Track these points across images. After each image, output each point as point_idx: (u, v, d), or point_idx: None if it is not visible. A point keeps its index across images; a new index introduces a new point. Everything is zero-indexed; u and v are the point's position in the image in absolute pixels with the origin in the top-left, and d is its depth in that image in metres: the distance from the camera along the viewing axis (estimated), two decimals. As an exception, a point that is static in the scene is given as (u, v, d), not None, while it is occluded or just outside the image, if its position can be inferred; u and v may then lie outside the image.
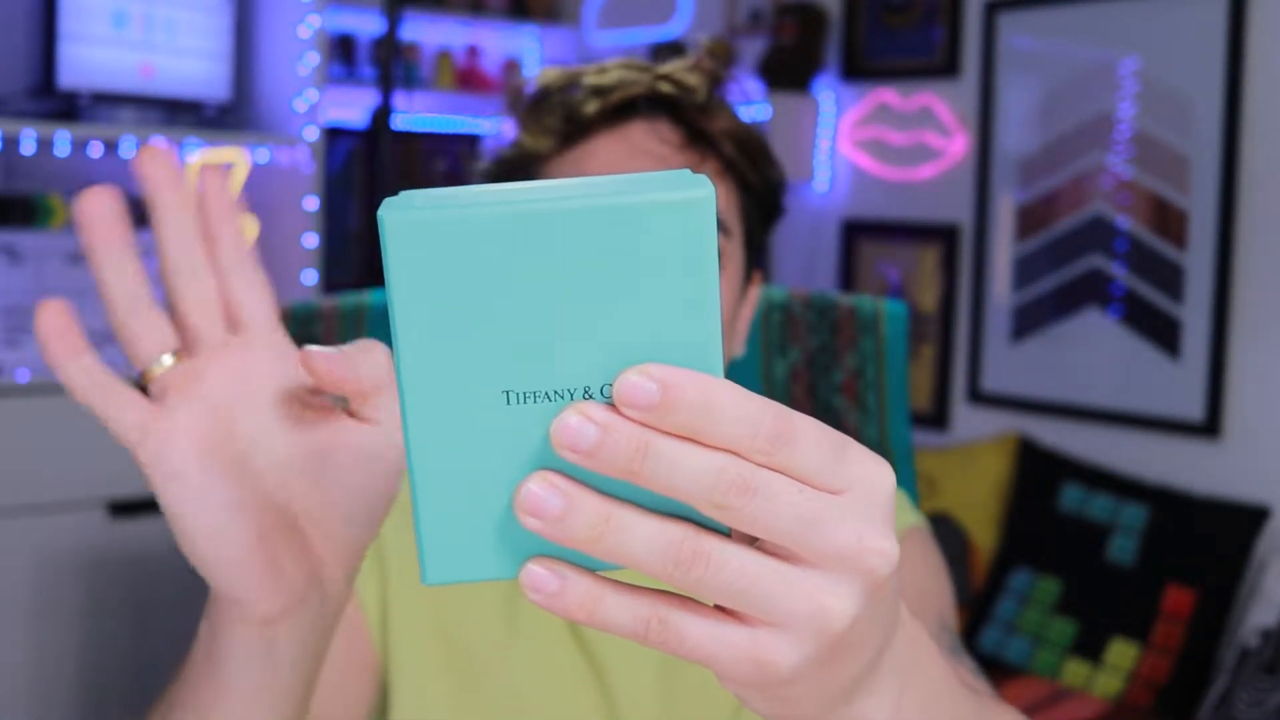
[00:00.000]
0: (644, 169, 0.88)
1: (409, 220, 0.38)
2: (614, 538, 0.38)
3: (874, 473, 0.39)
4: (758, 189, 0.95)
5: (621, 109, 0.91)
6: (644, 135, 0.90)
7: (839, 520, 0.38)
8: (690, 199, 0.38)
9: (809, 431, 0.38)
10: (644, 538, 0.38)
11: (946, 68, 3.09)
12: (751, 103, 0.99)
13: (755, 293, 1.00)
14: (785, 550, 0.39)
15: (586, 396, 0.39)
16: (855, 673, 0.42)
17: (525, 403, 0.39)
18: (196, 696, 0.54)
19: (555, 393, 0.39)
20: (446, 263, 0.38)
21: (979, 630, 2.72)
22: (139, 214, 2.76)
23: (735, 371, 1.24)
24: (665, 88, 0.91)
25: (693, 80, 0.91)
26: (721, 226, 0.90)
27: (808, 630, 0.39)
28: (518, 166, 0.94)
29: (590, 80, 0.91)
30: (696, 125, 0.91)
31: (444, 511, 0.40)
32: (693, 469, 0.37)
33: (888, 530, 0.39)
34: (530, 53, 3.98)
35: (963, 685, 0.54)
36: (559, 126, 0.91)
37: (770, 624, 0.39)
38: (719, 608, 0.39)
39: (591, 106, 0.90)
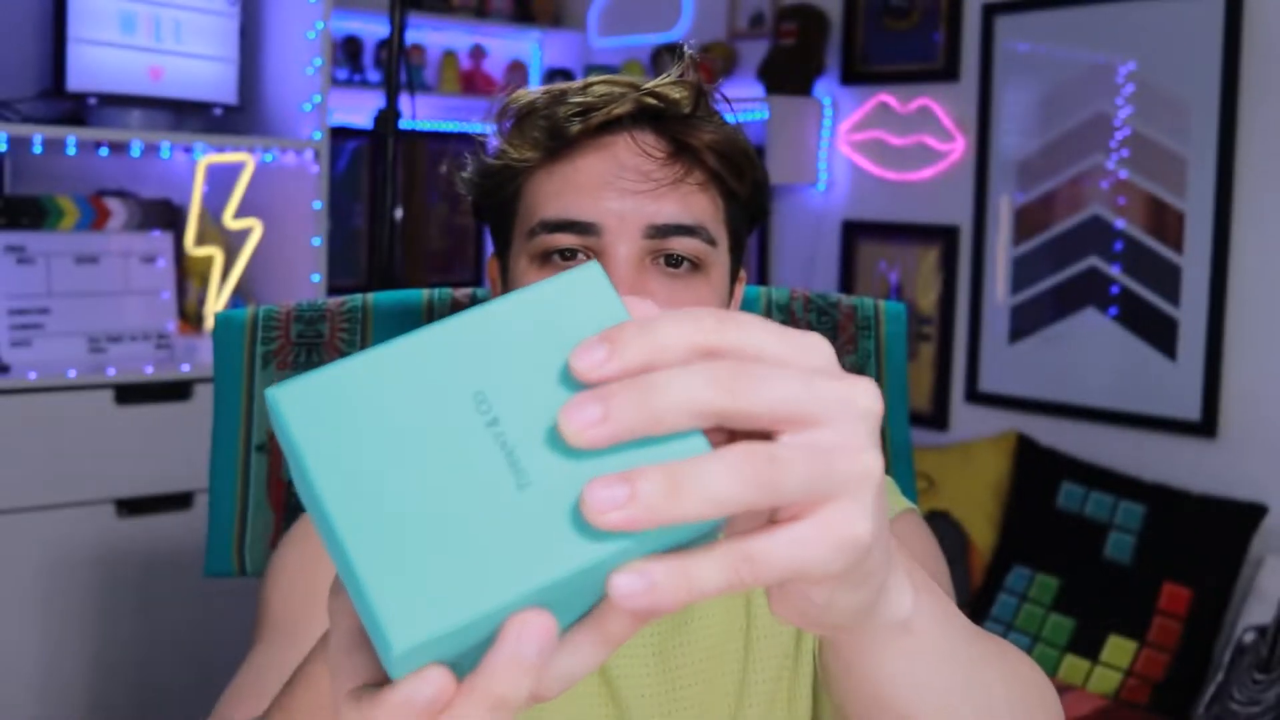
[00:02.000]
0: (628, 183, 0.90)
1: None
2: (692, 486, 0.38)
3: (812, 333, 0.42)
4: (742, 196, 0.96)
5: (607, 124, 0.91)
6: (627, 149, 0.91)
7: (822, 374, 0.41)
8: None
9: (746, 314, 0.42)
10: (719, 472, 0.39)
11: (945, 71, 3.11)
12: (738, 112, 1.00)
13: (740, 290, 1.02)
14: (798, 420, 0.40)
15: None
16: (886, 541, 0.45)
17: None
18: None
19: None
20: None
21: (978, 628, 2.74)
22: (148, 217, 2.79)
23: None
24: (650, 101, 0.91)
25: (677, 94, 0.92)
26: (709, 237, 0.92)
27: (863, 487, 0.41)
28: (504, 177, 0.95)
29: (575, 98, 0.92)
30: (681, 139, 0.91)
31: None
32: (693, 379, 0.39)
33: (845, 372, 0.42)
34: (534, 56, 4.01)
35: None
36: (543, 140, 0.92)
37: (830, 500, 0.40)
38: (770, 523, 0.41)
39: (576, 126, 0.91)
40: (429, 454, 0.39)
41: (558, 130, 0.91)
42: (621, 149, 0.91)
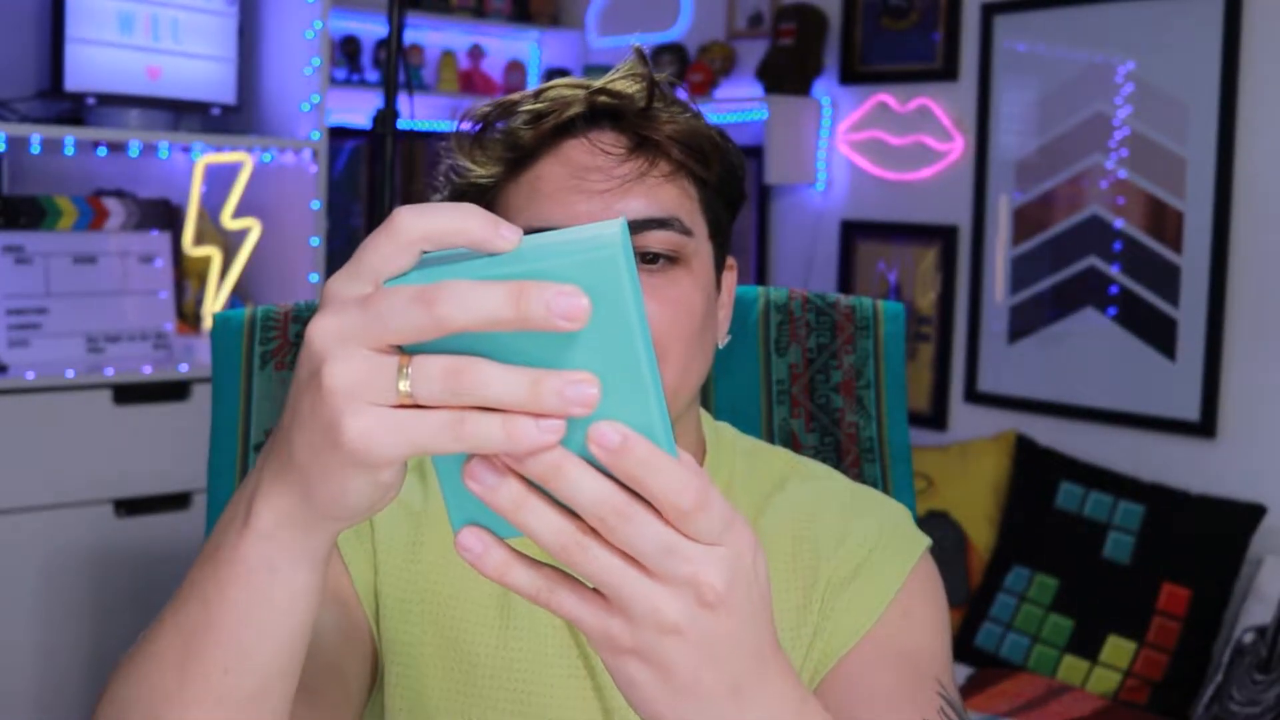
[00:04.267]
0: (592, 184, 0.89)
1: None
2: (525, 514, 0.50)
3: (744, 541, 0.52)
4: (713, 183, 0.95)
5: (561, 128, 0.91)
6: (586, 152, 0.90)
7: (685, 556, 0.51)
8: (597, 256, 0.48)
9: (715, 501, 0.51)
10: (546, 521, 0.50)
11: (944, 71, 3.11)
12: (692, 99, 0.98)
13: (731, 279, 1.01)
14: (645, 565, 0.51)
15: None
16: (710, 678, 0.53)
17: None
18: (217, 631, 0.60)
19: None
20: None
21: (976, 628, 2.75)
22: (146, 217, 2.79)
23: (734, 371, 1.26)
24: (603, 100, 0.91)
25: (631, 89, 0.92)
26: (683, 227, 0.91)
27: (644, 623, 0.51)
28: (474, 196, 0.94)
29: (527, 106, 0.92)
30: (641, 133, 0.91)
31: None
32: (585, 490, 0.49)
33: (722, 574, 0.51)
34: (533, 56, 4.01)
35: None
36: (503, 153, 0.92)
37: (619, 612, 0.52)
38: (596, 591, 0.52)
39: (529, 135, 0.90)
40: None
41: (514, 141, 0.91)
42: (580, 151, 0.91)
